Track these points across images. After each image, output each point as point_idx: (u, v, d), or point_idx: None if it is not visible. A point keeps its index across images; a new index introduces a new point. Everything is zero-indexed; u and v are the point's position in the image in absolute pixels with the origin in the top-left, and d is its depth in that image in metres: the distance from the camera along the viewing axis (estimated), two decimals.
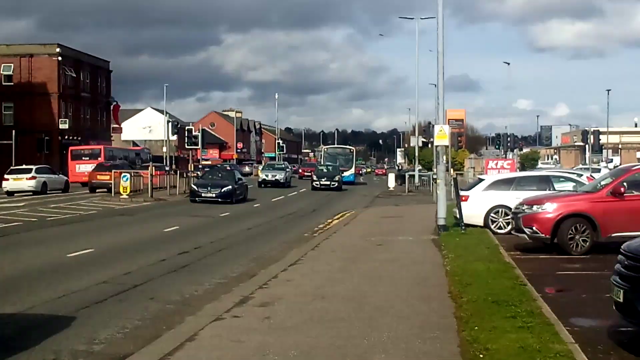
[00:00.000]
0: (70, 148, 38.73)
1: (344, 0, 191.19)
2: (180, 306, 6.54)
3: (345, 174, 37.73)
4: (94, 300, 6.87)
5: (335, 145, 57.05)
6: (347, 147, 49.66)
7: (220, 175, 25.31)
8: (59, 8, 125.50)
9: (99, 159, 34.59)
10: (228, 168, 33.51)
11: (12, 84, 42.22)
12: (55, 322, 5.73)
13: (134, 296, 7.23)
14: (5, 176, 27.23)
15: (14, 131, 35.93)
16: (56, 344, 4.88)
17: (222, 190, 22.17)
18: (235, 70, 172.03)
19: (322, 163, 40.25)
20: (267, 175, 33.81)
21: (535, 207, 10.78)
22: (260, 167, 43.70)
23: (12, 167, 28.94)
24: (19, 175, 26.78)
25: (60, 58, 42.85)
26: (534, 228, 10.57)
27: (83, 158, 35.92)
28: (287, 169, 37.43)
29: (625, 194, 10.11)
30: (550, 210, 10.51)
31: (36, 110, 41.27)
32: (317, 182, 31.61)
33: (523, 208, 11.08)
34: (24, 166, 28.24)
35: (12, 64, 42.52)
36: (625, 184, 10.29)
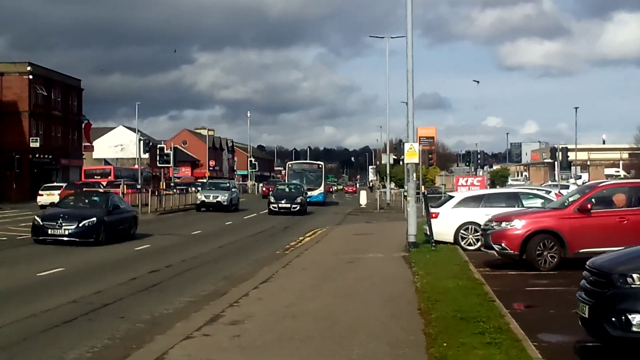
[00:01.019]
0: (83, 168, 45.77)
1: (315, 20, 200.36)
2: (150, 325, 6.47)
3: (313, 193, 33.87)
4: (63, 319, 6.77)
5: (302, 161, 48.92)
6: (315, 162, 42.96)
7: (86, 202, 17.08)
8: (31, 28, 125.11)
9: (109, 177, 39.68)
10: (101, 190, 25.49)
11: None
12: (23, 343, 5.65)
13: (103, 315, 7.14)
14: (40, 192, 32.43)
15: None
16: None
17: (81, 225, 14.50)
18: (208, 88, 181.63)
19: (286, 181, 35.73)
20: (207, 197, 28.72)
21: (504, 224, 11.00)
22: (200, 187, 35.36)
23: (45, 185, 34.34)
24: (52, 192, 31.45)
25: (31, 76, 43.53)
26: (502, 244, 10.80)
27: (95, 177, 40.04)
28: (233, 189, 32.75)
29: (592, 211, 10.43)
30: (518, 227, 10.74)
31: (6, 128, 41.51)
32: (275, 205, 26.80)
33: (492, 225, 11.31)
34: (55, 184, 34.91)
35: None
36: (592, 200, 10.65)
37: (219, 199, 28.35)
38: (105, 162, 58.43)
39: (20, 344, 5.69)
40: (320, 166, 38.82)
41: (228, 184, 33.69)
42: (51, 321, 6.75)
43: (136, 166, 45.50)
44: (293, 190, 29.61)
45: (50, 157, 43.98)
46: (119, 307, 7.71)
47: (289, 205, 26.54)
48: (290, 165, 40.65)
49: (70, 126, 49.85)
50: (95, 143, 57.37)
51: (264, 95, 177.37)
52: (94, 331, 6.20)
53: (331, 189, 59.08)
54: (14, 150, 38.39)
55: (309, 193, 32.23)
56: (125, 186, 29.13)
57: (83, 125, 51.07)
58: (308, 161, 47.01)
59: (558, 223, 10.57)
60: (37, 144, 41.79)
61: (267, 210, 27.77)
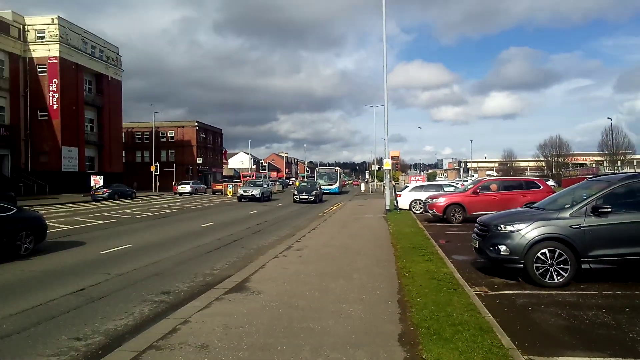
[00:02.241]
0: (223, 173, 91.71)
1: (338, 96, 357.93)
2: (256, 251, 11.29)
3: (331, 187, 48.15)
4: (214, 248, 11.88)
5: (325, 167, 67.26)
6: (334, 167, 62.52)
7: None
8: (197, 103, 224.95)
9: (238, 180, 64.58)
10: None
11: (174, 140, 78.46)
12: (194, 259, 10.30)
13: (233, 246, 12.28)
14: (174, 185, 52.48)
15: (174, 164, 68.94)
16: (194, 270, 9.22)
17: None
18: (284, 132, 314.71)
19: (314, 180, 45.92)
20: (245, 191, 35.23)
21: (434, 200, 17.76)
22: (242, 184, 45.36)
23: (179, 182, 53.55)
24: (183, 185, 49.99)
25: (197, 128, 79.51)
26: (434, 210, 17.68)
27: (228, 178, 77.53)
28: (265, 185, 38.62)
29: (479, 193, 17.13)
30: (442, 201, 17.40)
31: (185, 154, 76.66)
32: (297, 197, 33.33)
33: (429, 200, 18.27)
34: (184, 181, 53.54)
35: (174, 131, 79.02)
36: (479, 188, 17.48)
37: (253, 192, 34.86)
38: (235, 171, 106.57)
39: (188, 261, 10.26)
40: (336, 170, 55.28)
41: (261, 182, 39.89)
42: (207, 249, 11.83)
43: (250, 172, 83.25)
44: (309, 186, 36.78)
45: (207, 167, 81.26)
46: (240, 242, 13.13)
47: (306, 197, 33.10)
48: (318, 170, 56.18)
49: (216, 152, 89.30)
50: (229, 160, 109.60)
51: (313, 135, 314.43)
52: (228, 254, 11.01)
53: (346, 183, 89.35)
54: (189, 164, 75.33)
55: (328, 187, 46.81)
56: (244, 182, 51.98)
57: (222, 151, 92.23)
58: (329, 167, 65.31)
59: (462, 199, 17.08)
60: (200, 161, 78.08)
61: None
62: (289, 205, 30.57)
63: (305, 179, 59.73)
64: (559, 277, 7.06)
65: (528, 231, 7.33)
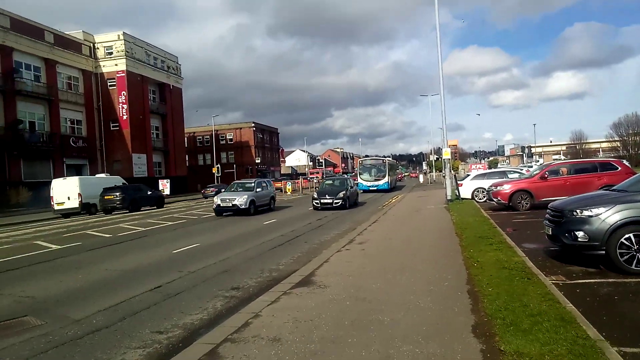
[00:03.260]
0: (281, 171, 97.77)
1: (391, 89, 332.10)
2: (320, 245, 11.46)
3: (379, 182, 38.18)
4: (278, 244, 12.18)
5: (370, 157, 51.45)
6: (381, 158, 45.19)
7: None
8: (254, 106, 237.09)
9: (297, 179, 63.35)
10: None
11: (233, 142, 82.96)
12: (258, 256, 10.65)
13: (296, 241, 12.58)
14: (203, 190, 48.77)
15: (234, 165, 75.10)
16: (260, 266, 9.50)
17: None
18: (339, 128, 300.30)
19: (360, 174, 39.77)
20: (223, 201, 21.75)
21: (499, 187, 16.94)
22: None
23: (207, 185, 49.86)
24: (210, 188, 45.82)
25: (254, 128, 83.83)
26: (498, 198, 16.89)
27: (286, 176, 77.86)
28: (260, 189, 23.51)
29: (547, 178, 16.12)
30: (507, 188, 16.59)
31: (244, 154, 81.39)
32: (317, 201, 22.66)
33: (493, 188, 17.44)
34: (244, 179, 48.32)
35: (232, 133, 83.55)
36: (547, 172, 16.41)
37: (236, 202, 21.31)
38: (292, 169, 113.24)
39: (256, 257, 10.58)
40: (384, 161, 40.94)
41: (252, 184, 23.51)
42: (271, 245, 12.11)
43: (306, 169, 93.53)
44: (337, 185, 25.11)
45: (265, 166, 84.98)
46: (304, 237, 13.40)
47: (330, 201, 22.46)
48: (361, 162, 42.53)
49: (274, 151, 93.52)
50: (286, 158, 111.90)
51: (368, 129, 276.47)
52: (292, 250, 11.25)
53: (403, 176, 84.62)
54: (248, 164, 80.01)
55: (375, 183, 38.27)
56: (302, 179, 56.57)
57: (280, 150, 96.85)
58: (375, 157, 51.13)
59: (529, 185, 16.22)
60: (259, 160, 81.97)
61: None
62: (296, 220, 18.73)
63: (335, 176, 46.96)
64: None
65: (609, 215, 6.81)
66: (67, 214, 28.02)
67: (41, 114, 42.51)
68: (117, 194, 27.53)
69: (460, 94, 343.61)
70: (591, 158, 36.35)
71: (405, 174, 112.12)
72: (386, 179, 38.83)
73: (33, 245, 14.73)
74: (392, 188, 40.90)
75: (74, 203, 27.75)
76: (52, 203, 28.13)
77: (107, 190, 28.12)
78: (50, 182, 30.03)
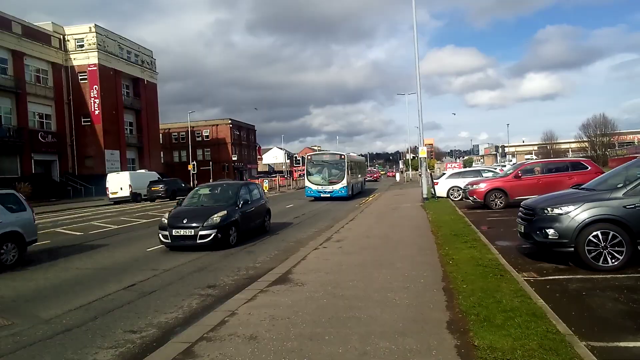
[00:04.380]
0: (258, 169, 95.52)
1: (370, 87, 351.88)
2: (297, 243, 11.45)
3: (335, 187, 27.47)
4: (254, 242, 12.08)
5: (323, 152, 36.48)
6: (337, 152, 31.14)
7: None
8: (231, 102, 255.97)
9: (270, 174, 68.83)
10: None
11: (209, 139, 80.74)
12: (236, 254, 10.55)
13: (274, 239, 12.52)
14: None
15: (210, 162, 69.68)
16: (237, 264, 9.40)
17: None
18: (317, 126, 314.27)
19: (308, 174, 28.92)
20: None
21: (475, 186, 17.27)
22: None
23: (212, 180, 52.71)
24: (222, 189, 48.21)
25: (231, 125, 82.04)
26: (474, 197, 17.21)
27: (263, 173, 73.58)
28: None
29: (521, 177, 16.50)
30: (482, 187, 16.93)
31: (220, 151, 79.04)
32: (167, 234, 11.19)
33: (469, 187, 17.83)
34: (220, 179, 45.70)
35: (208, 129, 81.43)
36: (520, 172, 16.82)
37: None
38: (269, 166, 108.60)
39: (232, 255, 10.44)
40: (342, 157, 28.80)
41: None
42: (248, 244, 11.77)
43: (283, 167, 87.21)
44: (207, 201, 13.19)
45: (242, 164, 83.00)
46: (281, 235, 13.37)
47: (190, 233, 11.08)
48: (309, 158, 30.32)
49: (251, 148, 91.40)
50: (263, 156, 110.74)
51: (346, 127, 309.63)
52: (270, 248, 11.21)
53: (379, 175, 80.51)
54: (224, 162, 75.90)
55: (328, 187, 27.55)
56: (278, 176, 55.07)
57: (257, 148, 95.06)
58: (329, 151, 33.16)
59: (504, 184, 16.62)
60: (236, 158, 78.85)
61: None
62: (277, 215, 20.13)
63: (221, 182, 17.05)
64: (614, 260, 6.74)
65: (578, 213, 7.02)
66: (119, 201, 34.31)
67: (8, 107, 41.01)
68: (161, 186, 34.72)
69: (438, 93, 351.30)
70: (561, 158, 37.48)
71: (382, 172, 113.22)
72: (344, 181, 27.50)
73: None
74: (353, 194, 29.66)
75: (126, 192, 34.21)
76: (108, 192, 34.78)
77: (153, 182, 35.36)
78: (17, 178, 34.00)
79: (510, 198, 16.19)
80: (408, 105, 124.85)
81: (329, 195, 27.32)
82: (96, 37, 48.82)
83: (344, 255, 9.02)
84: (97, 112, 48.56)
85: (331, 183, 27.73)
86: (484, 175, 21.71)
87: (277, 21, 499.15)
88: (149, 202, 33.86)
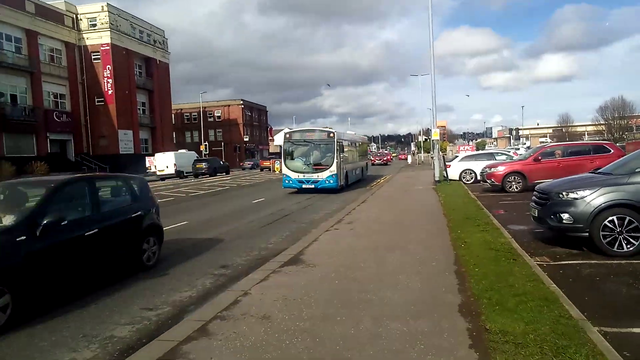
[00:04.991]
0: (269, 150, 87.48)
1: (382, 68, 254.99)
2: (309, 224, 11.54)
3: (321, 175, 20.41)
4: (267, 222, 12.23)
5: (305, 129, 23.63)
6: (324, 129, 22.91)
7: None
8: (244, 83, 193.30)
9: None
10: None
11: (221, 120, 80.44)
12: (249, 234, 10.69)
13: (286, 220, 12.58)
14: (241, 162, 55.85)
15: (222, 143, 73.21)
16: (250, 244, 9.51)
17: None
18: (328, 108, 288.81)
19: (286, 158, 21.34)
20: None
21: (493, 169, 17.00)
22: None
23: (246, 159, 61.10)
24: (247, 162, 58.28)
25: (242, 106, 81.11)
26: (492, 180, 16.96)
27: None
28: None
29: (541, 160, 16.23)
30: (501, 170, 16.63)
31: (231, 132, 78.72)
32: None
33: (487, 170, 17.54)
34: (248, 159, 59.21)
35: (220, 110, 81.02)
36: (540, 155, 16.51)
37: None
38: (280, 147, 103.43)
39: (245, 236, 10.57)
40: (331, 135, 21.05)
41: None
42: (260, 224, 12.19)
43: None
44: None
45: (253, 145, 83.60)
46: (292, 216, 13.36)
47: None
48: (287, 136, 21.88)
49: (262, 129, 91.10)
50: (275, 137, 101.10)
51: (357, 109, 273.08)
52: (281, 229, 11.28)
53: (391, 157, 76.97)
54: (236, 143, 75.76)
55: (312, 175, 20.54)
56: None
57: (268, 128, 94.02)
58: (314, 128, 23.66)
59: (523, 167, 16.31)
60: (247, 139, 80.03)
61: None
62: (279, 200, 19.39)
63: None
64: (629, 246, 6.67)
65: (594, 198, 6.93)
66: (165, 177, 39.57)
67: (23, 87, 41.37)
68: (205, 164, 40.23)
69: (451, 74, 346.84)
70: (577, 141, 36.70)
71: (394, 155, 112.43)
72: (332, 167, 20.43)
73: None
74: (347, 184, 22.96)
75: (171, 170, 40.33)
76: (155, 170, 40.84)
77: (197, 161, 41.86)
78: (33, 157, 35.68)
79: (529, 181, 15.87)
80: (421, 86, 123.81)
81: (312, 186, 20.40)
82: (109, 16, 48.68)
83: (356, 238, 9.04)
84: (110, 92, 48.78)
85: (316, 170, 20.54)
86: (497, 158, 21.48)
87: (289, 1, 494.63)
88: (193, 178, 38.64)
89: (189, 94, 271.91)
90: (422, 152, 74.77)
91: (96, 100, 48.99)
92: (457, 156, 26.16)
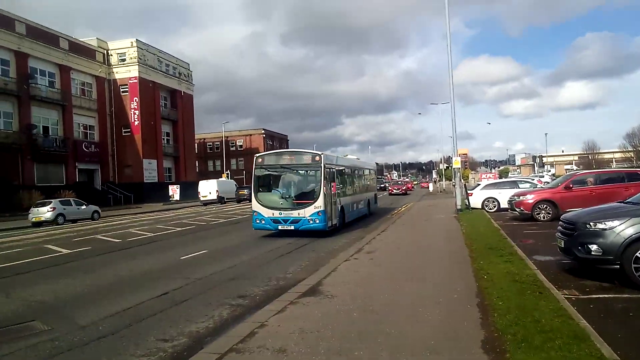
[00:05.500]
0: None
1: (402, 97, 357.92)
2: (327, 254, 11.42)
3: (301, 212, 14.96)
4: (284, 252, 12.08)
5: (281, 150, 22.98)
6: (307, 151, 16.63)
7: None
8: (265, 112, 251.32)
9: None
10: None
11: (243, 149, 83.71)
12: (267, 263, 10.63)
13: (304, 250, 12.46)
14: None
15: (244, 171, 71.18)
16: (268, 274, 9.43)
17: None
18: (349, 136, 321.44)
19: (257, 191, 15.85)
20: None
21: (521, 197, 16.61)
22: None
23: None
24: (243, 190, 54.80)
25: (264, 135, 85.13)
26: (521, 208, 16.51)
27: None
28: None
29: (572, 188, 15.76)
30: (530, 198, 16.23)
31: (252, 160, 75.15)
32: None
33: (515, 198, 17.07)
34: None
35: (242, 139, 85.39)
36: (571, 183, 16.03)
37: None
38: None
39: (262, 265, 10.54)
40: (317, 158, 15.52)
41: None
42: (279, 253, 12.09)
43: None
44: None
45: None
46: (311, 246, 13.27)
47: None
48: (259, 161, 16.19)
49: None
50: None
51: (377, 137, 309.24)
52: (299, 258, 11.20)
53: (412, 185, 73.74)
54: None
55: (291, 213, 15.04)
56: None
57: None
58: (293, 150, 19.79)
59: (553, 195, 15.91)
60: None
61: None
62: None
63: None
64: None
65: (624, 228, 6.66)
66: (207, 203, 42.29)
67: (55, 119, 43.13)
68: (246, 191, 41.09)
69: (471, 102, 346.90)
70: (604, 169, 35.66)
71: (415, 183, 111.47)
72: (319, 202, 14.95)
73: (129, 233, 14.79)
74: (343, 224, 17.39)
75: (214, 196, 42.87)
76: (199, 196, 43.20)
77: (240, 188, 45.34)
78: (62, 186, 37.31)
79: (560, 210, 15.13)
80: (441, 114, 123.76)
81: (292, 227, 14.97)
82: (137, 51, 50.83)
83: (375, 267, 8.88)
84: (136, 122, 50.37)
85: (297, 205, 15.16)
86: (521, 186, 21.04)
87: (310, 32, 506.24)
88: (236, 203, 42.21)
89: (212, 124, 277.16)
90: (444, 179, 74.15)
91: (123, 130, 50.61)
92: (479, 184, 25.65)
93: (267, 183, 16.12)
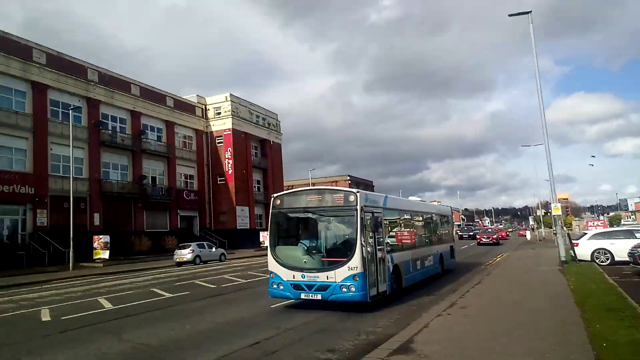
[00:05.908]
0: None
1: (490, 139, 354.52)
2: (419, 307, 10.97)
3: (333, 274, 10.56)
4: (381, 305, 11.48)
5: (304, 189, 12.17)
6: (340, 189, 11.87)
7: None
8: (350, 158, 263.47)
9: None
10: None
11: None
12: (357, 315, 10.39)
13: (395, 303, 11.84)
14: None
15: None
16: (357, 327, 9.17)
17: None
18: (436, 180, 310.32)
19: (274, 243, 11.80)
20: None
21: None
22: None
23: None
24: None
25: (349, 181, 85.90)
26: None
27: None
28: None
29: None
30: None
31: None
32: None
33: (638, 249, 15.25)
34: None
35: (328, 186, 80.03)
36: None
37: None
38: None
39: (352, 317, 10.29)
40: (352, 197, 10.86)
41: None
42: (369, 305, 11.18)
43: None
44: None
45: None
46: (401, 297, 12.52)
47: None
48: (277, 203, 12.06)
49: None
50: None
51: (466, 182, 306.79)
52: (390, 311, 10.83)
53: (507, 234, 70.15)
54: None
55: (324, 275, 10.75)
56: None
57: None
58: (320, 187, 12.57)
59: None
60: None
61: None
62: None
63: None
64: None
65: None
66: None
67: (161, 169, 47.72)
68: None
69: (569, 142, 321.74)
70: None
71: (510, 230, 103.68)
72: (355, 260, 10.42)
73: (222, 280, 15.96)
74: (390, 290, 11.82)
75: None
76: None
77: None
78: (166, 232, 40.61)
79: None
80: (535, 157, 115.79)
81: (318, 296, 10.87)
82: (230, 105, 55.24)
83: (470, 325, 8.27)
84: (230, 171, 53.89)
85: (325, 265, 11.12)
86: (637, 235, 18.69)
87: (393, 79, 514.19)
88: None
89: (300, 171, 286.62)
90: (543, 226, 68.40)
91: (218, 179, 54.35)
92: (585, 233, 22.98)
93: (286, 233, 12.32)
